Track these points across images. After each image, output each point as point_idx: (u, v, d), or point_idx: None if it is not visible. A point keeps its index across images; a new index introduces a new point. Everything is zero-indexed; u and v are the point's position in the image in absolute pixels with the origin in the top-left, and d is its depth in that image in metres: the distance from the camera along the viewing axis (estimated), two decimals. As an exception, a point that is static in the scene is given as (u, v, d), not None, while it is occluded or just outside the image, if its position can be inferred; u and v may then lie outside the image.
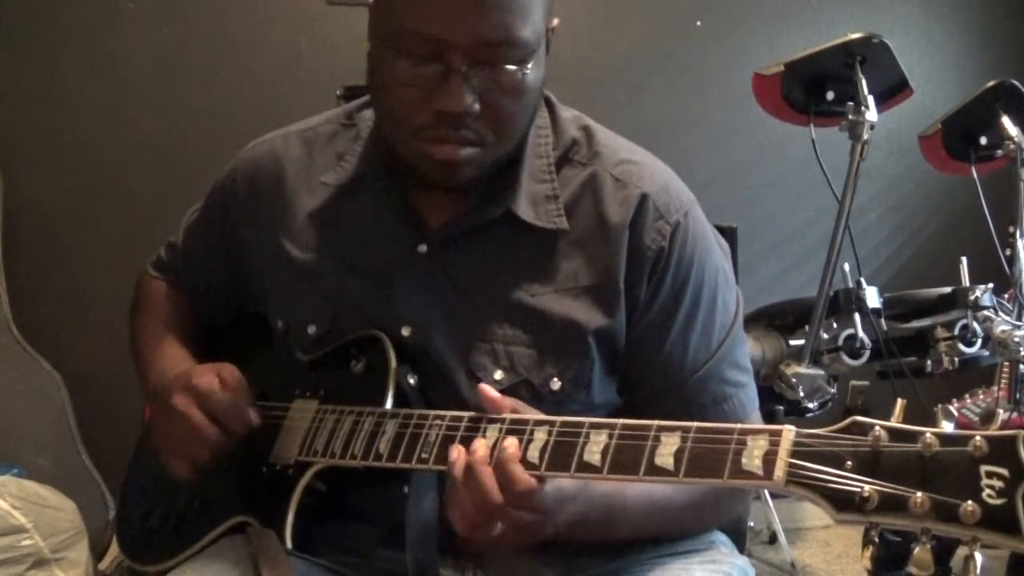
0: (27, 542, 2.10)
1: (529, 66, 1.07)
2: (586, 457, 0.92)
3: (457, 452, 0.98)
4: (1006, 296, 2.21)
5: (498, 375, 1.15)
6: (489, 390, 1.03)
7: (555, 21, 1.15)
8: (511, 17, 1.04)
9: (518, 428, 0.97)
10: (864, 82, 2.05)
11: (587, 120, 1.25)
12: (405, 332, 1.17)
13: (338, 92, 2.34)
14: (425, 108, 1.07)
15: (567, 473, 0.93)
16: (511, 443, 0.96)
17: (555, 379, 1.15)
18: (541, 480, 0.95)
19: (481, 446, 0.98)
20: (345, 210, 1.24)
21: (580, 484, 1.01)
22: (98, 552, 2.35)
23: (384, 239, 1.21)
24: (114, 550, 2.33)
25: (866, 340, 2.04)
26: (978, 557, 0.70)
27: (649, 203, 1.15)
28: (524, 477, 0.94)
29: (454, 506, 0.98)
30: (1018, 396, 2.26)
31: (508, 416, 1.00)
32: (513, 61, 1.06)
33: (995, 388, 2.35)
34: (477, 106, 1.06)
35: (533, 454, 0.94)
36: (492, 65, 1.06)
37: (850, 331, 2.05)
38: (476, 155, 1.10)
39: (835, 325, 2.09)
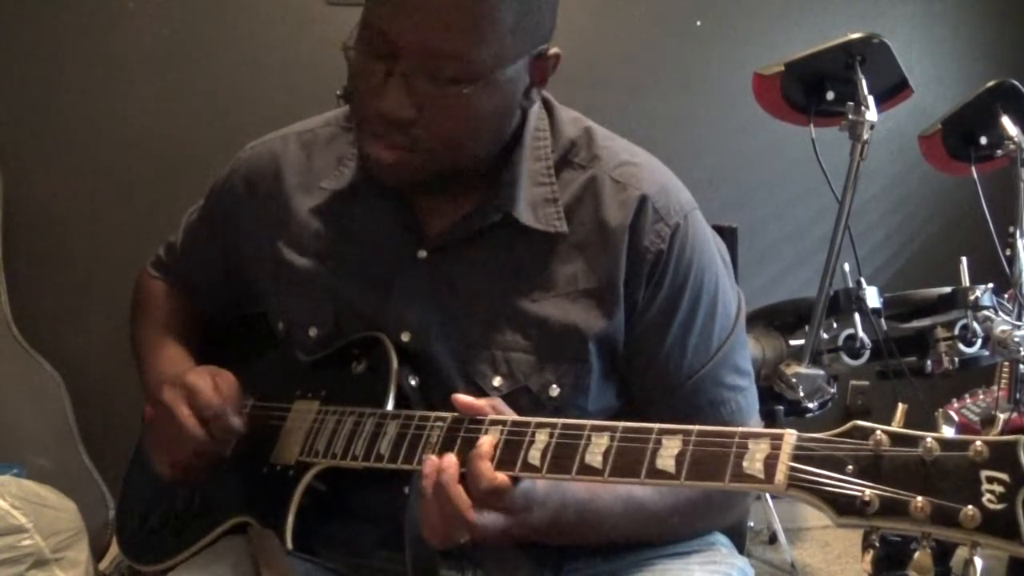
0: (27, 542, 2.10)
1: (473, 88, 1.05)
2: (587, 459, 0.92)
3: (430, 466, 0.99)
4: (1006, 296, 2.20)
5: (497, 381, 1.15)
6: (463, 398, 1.03)
7: (552, 50, 1.13)
8: (465, 34, 1.03)
9: (519, 430, 0.97)
10: (864, 82, 2.04)
11: (587, 122, 1.25)
12: (405, 338, 1.17)
13: (338, 92, 2.34)
14: (370, 104, 1.07)
15: (569, 475, 0.93)
16: (485, 441, 0.97)
17: (554, 385, 1.14)
18: (515, 480, 0.95)
19: (451, 461, 0.98)
20: (344, 215, 1.24)
21: (552, 486, 1.01)
22: (98, 552, 2.36)
23: (384, 244, 1.21)
24: (114, 550, 2.33)
25: (866, 340, 2.04)
26: (978, 561, 0.70)
27: (648, 205, 1.15)
28: (491, 474, 0.94)
29: (424, 520, 0.99)
30: (1018, 396, 2.26)
31: (510, 418, 1.00)
32: (459, 78, 1.04)
33: (995, 388, 2.35)
34: (412, 112, 1.05)
35: (534, 456, 0.94)
36: (433, 78, 1.04)
37: (850, 331, 2.05)
38: (409, 161, 1.09)
39: (835, 325, 2.09)
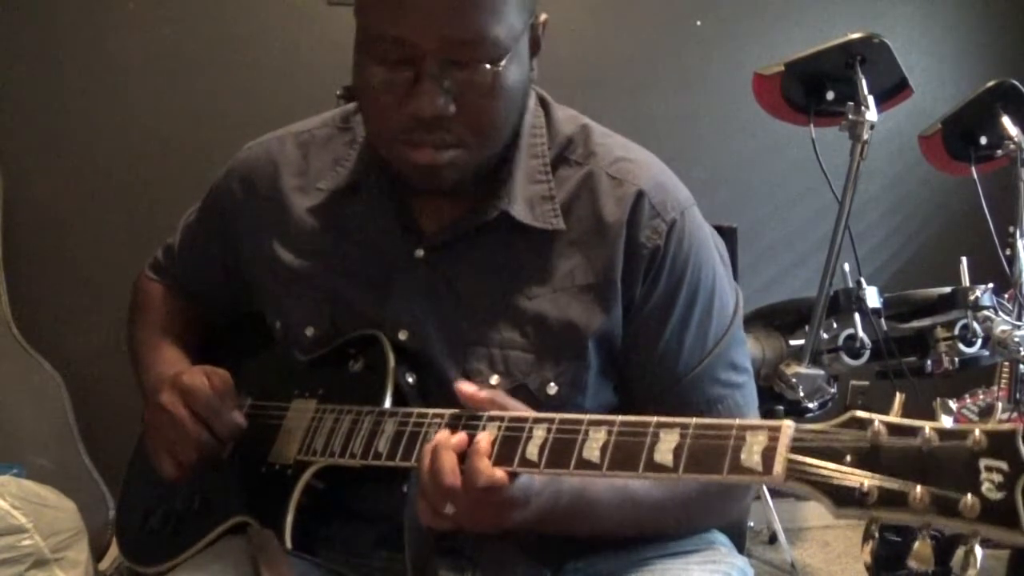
0: (27, 542, 2.10)
1: (503, 64, 1.06)
2: (585, 454, 0.91)
3: (429, 444, 0.99)
4: (1006, 296, 2.21)
5: (494, 380, 1.14)
6: (466, 387, 1.02)
7: (542, 16, 1.14)
8: (480, 16, 1.03)
9: (517, 425, 0.97)
10: (864, 82, 2.05)
11: (584, 119, 1.24)
12: (402, 336, 1.17)
13: (338, 92, 2.34)
14: (401, 113, 1.06)
15: (567, 470, 0.92)
16: (483, 438, 0.97)
17: (552, 383, 1.14)
18: (513, 475, 0.95)
19: (445, 434, 0.98)
20: (341, 215, 1.24)
21: (548, 477, 1.01)
22: (98, 552, 2.35)
23: (381, 244, 1.21)
24: (114, 550, 2.32)
25: (866, 340, 2.04)
26: (978, 551, 0.69)
27: (645, 201, 1.15)
28: (489, 471, 0.94)
29: (420, 491, 0.98)
30: (1018, 396, 2.26)
31: (507, 414, 0.99)
32: (485, 60, 1.05)
33: (995, 388, 2.36)
34: (452, 108, 1.05)
35: (532, 451, 0.94)
36: (464, 66, 1.04)
37: (850, 331, 2.05)
38: (458, 157, 1.09)
39: (835, 325, 2.09)
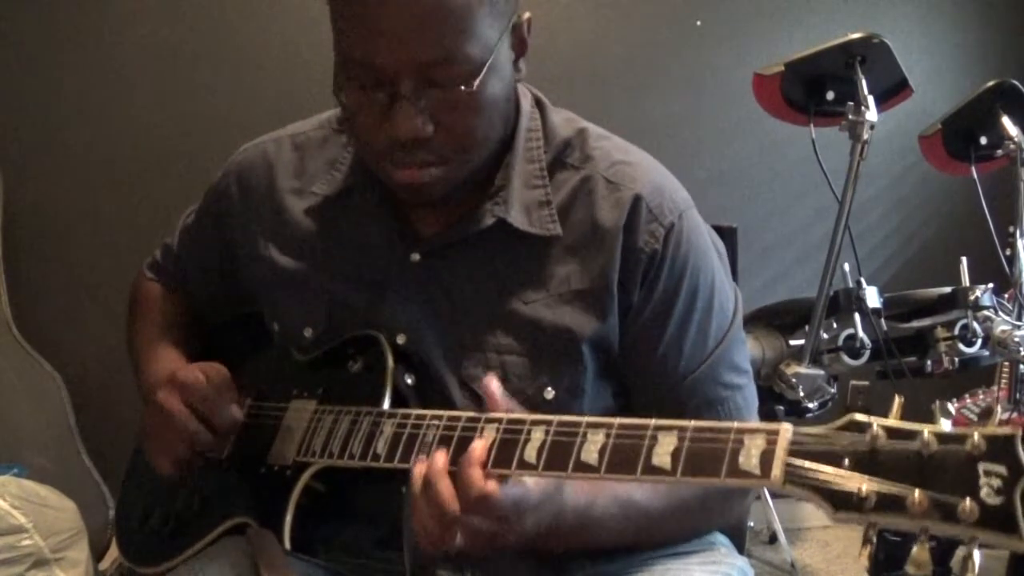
0: (27, 542, 2.10)
1: (479, 80, 1.04)
2: (583, 457, 0.91)
3: (419, 467, 0.97)
4: (1006, 296, 2.20)
5: None
6: (493, 383, 1.01)
7: (525, 15, 1.13)
8: (450, 35, 1.02)
9: (515, 428, 0.96)
10: (864, 82, 2.04)
11: (581, 122, 1.24)
12: (400, 340, 1.17)
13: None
14: (381, 134, 1.06)
15: (564, 472, 0.92)
16: (478, 445, 0.95)
17: (549, 388, 1.14)
18: (504, 485, 0.94)
19: (440, 457, 0.97)
20: (337, 218, 1.24)
21: (548, 492, 0.99)
22: (98, 552, 2.35)
23: (377, 248, 1.21)
24: (114, 550, 2.31)
25: (866, 340, 2.04)
26: (976, 556, 0.69)
27: (642, 205, 1.15)
28: (480, 482, 0.93)
29: (416, 519, 0.97)
30: (1018, 396, 2.26)
31: (505, 416, 0.99)
32: (460, 78, 1.04)
33: (995, 388, 2.35)
34: (430, 128, 1.05)
35: (530, 454, 0.94)
36: (439, 86, 1.04)
37: (850, 331, 2.05)
38: (441, 174, 1.09)
39: (835, 325, 2.09)
